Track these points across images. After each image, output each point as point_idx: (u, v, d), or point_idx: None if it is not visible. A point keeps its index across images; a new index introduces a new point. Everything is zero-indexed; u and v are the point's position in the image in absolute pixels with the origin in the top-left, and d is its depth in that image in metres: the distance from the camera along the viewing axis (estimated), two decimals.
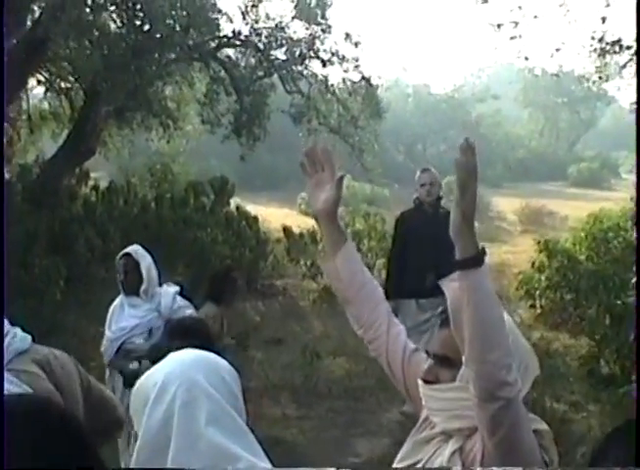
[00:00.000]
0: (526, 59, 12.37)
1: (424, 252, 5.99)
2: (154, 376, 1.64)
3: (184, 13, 11.15)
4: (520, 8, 10.55)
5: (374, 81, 14.19)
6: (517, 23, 10.57)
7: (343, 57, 13.48)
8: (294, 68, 13.30)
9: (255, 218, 13.23)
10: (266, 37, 12.91)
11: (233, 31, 12.95)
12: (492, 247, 14.58)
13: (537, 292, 9.72)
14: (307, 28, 13.25)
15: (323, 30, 13.23)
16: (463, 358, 1.73)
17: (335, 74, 15.90)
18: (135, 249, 4.53)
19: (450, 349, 1.86)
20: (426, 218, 6.14)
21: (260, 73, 13.29)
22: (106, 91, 10.79)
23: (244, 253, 11.57)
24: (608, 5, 9.92)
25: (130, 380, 3.92)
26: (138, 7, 11.03)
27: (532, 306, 9.76)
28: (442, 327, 1.97)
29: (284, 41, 12.99)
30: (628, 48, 10.04)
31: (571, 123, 49.00)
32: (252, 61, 13.47)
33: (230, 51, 13.75)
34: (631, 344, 6.65)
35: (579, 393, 6.71)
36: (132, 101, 11.56)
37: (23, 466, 1.15)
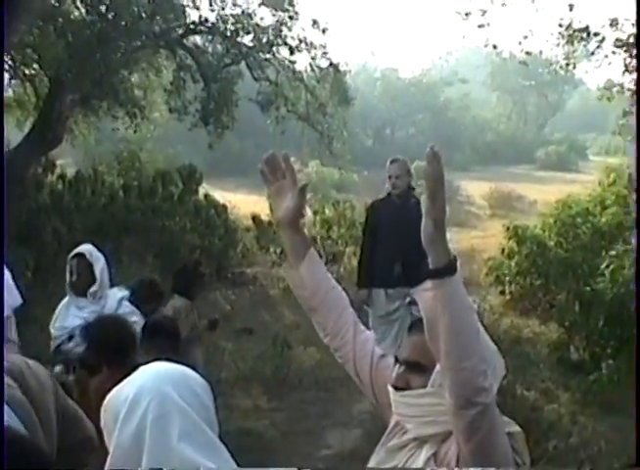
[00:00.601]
0: (495, 47, 12.37)
1: (392, 242, 6.00)
2: (124, 389, 1.62)
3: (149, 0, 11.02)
4: None
5: (342, 68, 14.19)
6: (485, 12, 10.59)
7: (311, 43, 13.44)
8: (261, 55, 13.22)
9: (224, 207, 13.17)
10: (233, 24, 12.79)
11: (199, 18, 12.85)
12: (462, 232, 14.73)
13: (507, 278, 9.79)
14: (274, 15, 13.18)
15: (290, 17, 13.15)
16: (437, 365, 1.73)
17: (302, 61, 15.80)
18: (89, 250, 4.43)
19: (421, 354, 1.86)
20: (395, 208, 6.12)
21: (228, 61, 13.17)
22: (71, 79, 10.65)
23: (213, 241, 11.54)
24: None
25: None
26: None
27: (502, 293, 9.83)
28: (412, 333, 1.97)
29: (251, 28, 12.89)
30: (596, 34, 10.11)
31: (538, 107, 49.46)
32: (220, 48, 13.38)
33: (197, 38, 13.66)
34: (600, 330, 6.75)
35: (550, 379, 6.78)
36: (98, 89, 11.40)
37: None
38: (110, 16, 10.93)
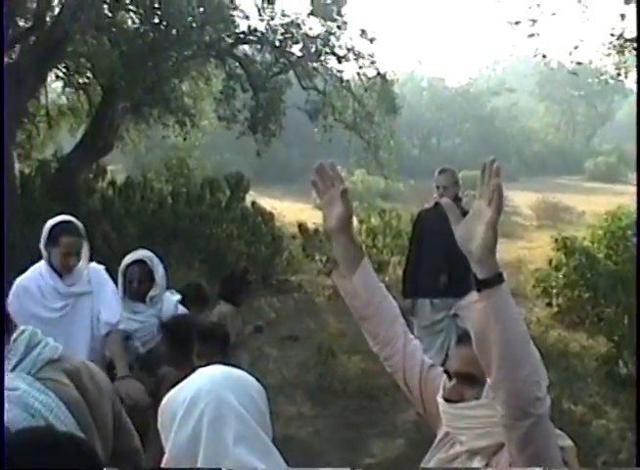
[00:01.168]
0: (544, 56, 12.24)
1: (438, 252, 5.96)
2: (182, 392, 1.65)
3: (201, 10, 11.19)
4: (538, 6, 10.47)
5: (389, 77, 14.21)
6: (535, 21, 10.49)
7: (359, 53, 13.50)
8: (309, 64, 13.31)
9: (271, 214, 13.26)
10: (282, 34, 12.92)
11: (249, 28, 12.99)
12: (508, 242, 14.56)
13: (554, 290, 9.64)
14: (323, 25, 13.26)
15: (339, 27, 13.23)
16: (489, 378, 1.73)
17: (350, 70, 15.84)
18: (149, 256, 4.45)
19: (472, 366, 1.86)
20: (441, 219, 6.09)
21: (276, 70, 13.31)
22: (123, 88, 10.86)
23: (259, 248, 11.61)
24: (627, 2, 9.81)
25: None
26: (155, 5, 11.09)
27: (549, 305, 9.68)
28: (460, 344, 1.97)
29: (299, 38, 13.00)
30: None
31: (587, 117, 48.78)
32: (268, 57, 13.50)
33: (246, 48, 13.78)
34: None
35: (598, 394, 6.68)
36: (149, 97, 11.61)
37: None
38: (162, 26, 11.12)
